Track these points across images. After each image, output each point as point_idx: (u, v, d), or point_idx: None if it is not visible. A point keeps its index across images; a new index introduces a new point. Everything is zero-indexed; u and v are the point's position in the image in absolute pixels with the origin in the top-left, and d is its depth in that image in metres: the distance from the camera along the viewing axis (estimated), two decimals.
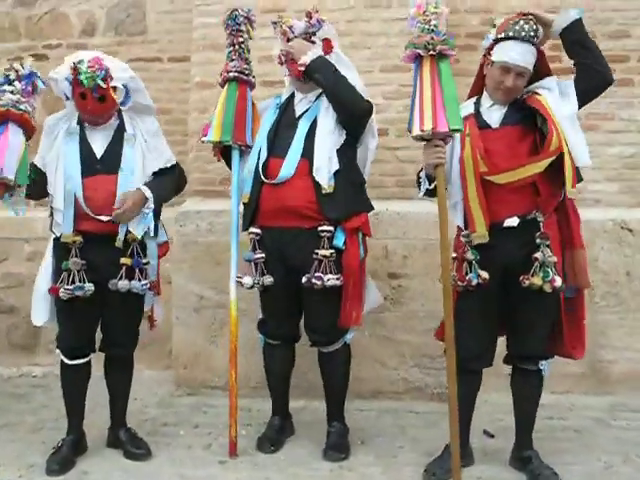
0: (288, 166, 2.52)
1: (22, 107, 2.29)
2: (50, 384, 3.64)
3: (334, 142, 2.53)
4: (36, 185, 2.46)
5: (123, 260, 2.48)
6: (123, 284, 2.47)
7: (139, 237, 2.51)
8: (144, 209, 2.50)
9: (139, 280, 2.50)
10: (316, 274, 2.49)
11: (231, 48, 2.67)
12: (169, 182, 2.68)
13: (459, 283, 2.35)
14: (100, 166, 2.50)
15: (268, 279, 2.57)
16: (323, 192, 2.49)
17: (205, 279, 3.36)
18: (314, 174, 2.49)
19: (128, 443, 2.65)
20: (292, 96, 2.70)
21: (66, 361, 2.60)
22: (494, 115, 2.41)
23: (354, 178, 2.62)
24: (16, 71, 2.30)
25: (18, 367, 3.91)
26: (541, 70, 2.43)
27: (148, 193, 2.51)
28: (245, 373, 3.39)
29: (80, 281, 2.45)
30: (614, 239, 3.33)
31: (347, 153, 2.58)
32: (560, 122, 2.30)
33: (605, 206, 3.42)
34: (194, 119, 3.47)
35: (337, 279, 2.50)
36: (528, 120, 2.36)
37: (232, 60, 2.66)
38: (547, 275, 2.28)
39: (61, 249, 2.51)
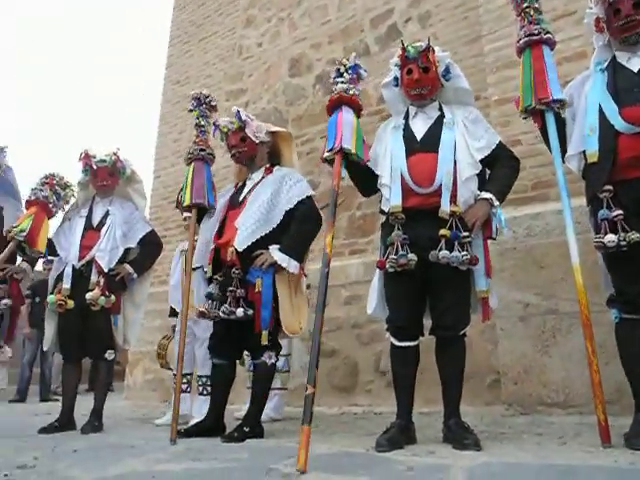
0: None
1: (351, 92, 2.66)
2: (372, 418, 3.62)
3: None
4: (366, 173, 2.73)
5: (442, 232, 2.48)
6: (443, 254, 2.44)
7: (461, 210, 2.51)
8: (492, 210, 2.57)
9: (459, 251, 2.45)
10: None
11: None
12: (506, 169, 2.71)
13: None
14: (419, 146, 2.65)
15: (635, 235, 2.27)
16: None
17: (529, 285, 3.13)
18: None
19: (457, 433, 2.41)
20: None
21: (395, 342, 2.61)
22: None
23: None
24: (343, 65, 2.70)
25: (339, 407, 4.00)
26: None
27: (488, 195, 2.57)
28: (588, 386, 2.95)
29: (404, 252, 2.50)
30: None
31: None
32: None
33: None
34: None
35: None
36: None
37: None
38: None
39: (387, 229, 2.63)
